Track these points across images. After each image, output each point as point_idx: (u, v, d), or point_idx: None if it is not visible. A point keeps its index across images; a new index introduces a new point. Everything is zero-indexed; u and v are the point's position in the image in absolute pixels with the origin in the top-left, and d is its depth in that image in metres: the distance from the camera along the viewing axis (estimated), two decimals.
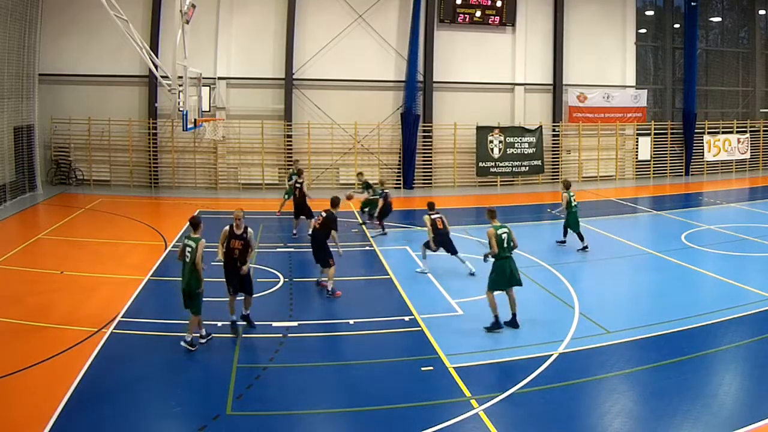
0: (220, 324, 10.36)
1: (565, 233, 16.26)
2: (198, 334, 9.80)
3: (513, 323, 10.44)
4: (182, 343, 9.55)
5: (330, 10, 26.12)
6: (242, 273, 10.18)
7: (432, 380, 8.67)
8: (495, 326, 10.36)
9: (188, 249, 9.56)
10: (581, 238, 15.81)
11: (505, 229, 10.46)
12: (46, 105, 23.83)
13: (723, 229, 18.27)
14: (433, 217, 13.70)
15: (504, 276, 10.35)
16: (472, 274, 13.33)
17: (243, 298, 10.42)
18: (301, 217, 17.01)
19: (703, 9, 30.97)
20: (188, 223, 10.06)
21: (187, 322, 9.63)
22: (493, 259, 10.48)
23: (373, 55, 26.62)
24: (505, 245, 10.36)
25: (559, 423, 7.56)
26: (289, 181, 18.89)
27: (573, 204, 15.77)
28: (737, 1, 32.16)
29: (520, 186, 27.79)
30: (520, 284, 10.58)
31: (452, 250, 13.78)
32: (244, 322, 10.40)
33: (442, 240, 13.68)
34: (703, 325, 10.53)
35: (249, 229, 10.22)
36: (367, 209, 18.25)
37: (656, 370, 8.91)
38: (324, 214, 12.24)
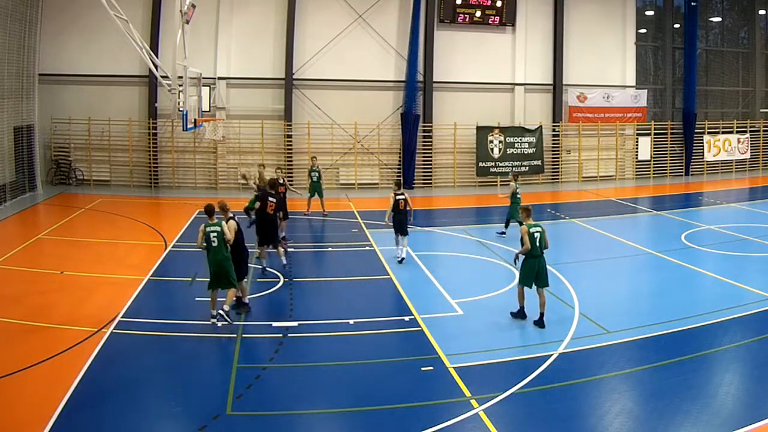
0: (220, 324, 10.36)
1: (507, 225, 17.14)
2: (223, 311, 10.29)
3: (540, 323, 10.46)
4: (220, 311, 10.22)
5: (330, 10, 26.10)
6: None
7: (432, 380, 8.66)
8: (520, 314, 10.73)
9: (213, 234, 10.35)
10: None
11: (539, 228, 10.53)
12: (46, 105, 23.80)
13: (723, 229, 18.27)
14: (397, 197, 14.20)
15: (531, 274, 10.45)
16: (401, 261, 14.24)
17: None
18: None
19: (703, 9, 30.94)
20: (204, 212, 10.74)
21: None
22: (523, 257, 10.55)
23: (373, 55, 26.58)
24: (537, 244, 10.40)
25: (559, 423, 7.55)
26: (312, 178, 19.32)
27: (518, 195, 16.75)
28: (737, 1, 32.15)
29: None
30: (546, 285, 10.63)
31: (404, 232, 14.35)
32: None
33: (399, 221, 14.26)
34: (703, 325, 10.52)
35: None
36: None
37: (656, 370, 8.90)
38: (274, 200, 13.55)
